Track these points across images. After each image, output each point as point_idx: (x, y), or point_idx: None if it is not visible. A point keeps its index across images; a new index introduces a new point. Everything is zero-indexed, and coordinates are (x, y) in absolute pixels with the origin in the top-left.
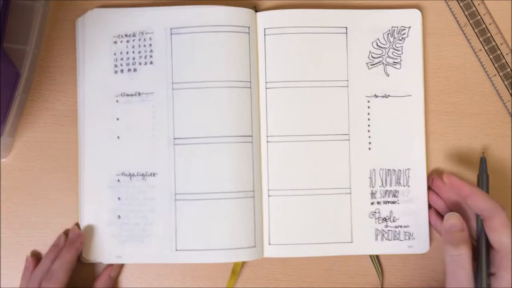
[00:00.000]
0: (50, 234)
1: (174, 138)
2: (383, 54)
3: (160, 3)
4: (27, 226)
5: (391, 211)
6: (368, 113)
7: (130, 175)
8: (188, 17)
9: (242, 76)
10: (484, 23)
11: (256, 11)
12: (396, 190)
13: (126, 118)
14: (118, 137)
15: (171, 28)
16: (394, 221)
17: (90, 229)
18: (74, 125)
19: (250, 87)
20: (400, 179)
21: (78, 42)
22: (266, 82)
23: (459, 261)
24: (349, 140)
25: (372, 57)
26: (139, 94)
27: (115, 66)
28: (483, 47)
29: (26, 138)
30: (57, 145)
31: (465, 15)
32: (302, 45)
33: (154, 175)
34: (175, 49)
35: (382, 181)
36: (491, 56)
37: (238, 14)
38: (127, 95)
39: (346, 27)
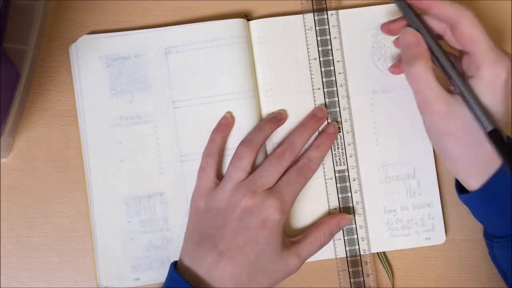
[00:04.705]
0: (50, 234)
1: (181, 155)
2: (380, 50)
3: (151, 25)
4: (27, 226)
5: (404, 205)
6: (372, 110)
7: (139, 198)
8: (181, 36)
9: (242, 87)
10: None
11: (248, 20)
12: (407, 183)
13: (128, 141)
14: (122, 160)
15: (165, 48)
16: (409, 215)
17: (104, 254)
18: (74, 125)
19: (252, 97)
20: (410, 172)
21: (73, 69)
22: (265, 90)
23: (417, 77)
24: (355, 137)
25: (370, 53)
26: (139, 116)
27: (112, 89)
28: None
29: (26, 138)
30: (57, 145)
31: None
32: (298, 50)
33: (161, 194)
34: (172, 69)
35: (392, 176)
36: None
37: (230, 26)
38: (126, 118)
39: (340, 27)
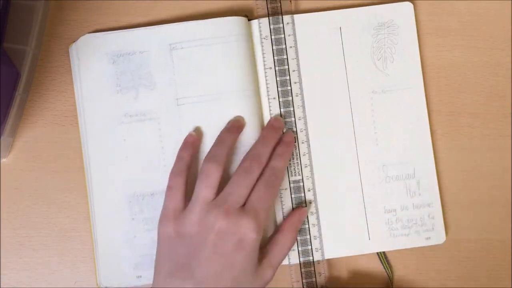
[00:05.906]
0: (50, 234)
1: None
2: (380, 49)
3: (153, 22)
4: (27, 226)
5: (404, 205)
6: (372, 110)
7: (142, 195)
8: (185, 32)
9: (244, 85)
10: None
11: (249, 19)
12: (407, 183)
13: (133, 138)
14: (127, 157)
15: (169, 44)
16: (409, 215)
17: (105, 253)
18: (74, 125)
19: (254, 95)
20: (410, 172)
21: (74, 69)
22: (267, 90)
23: None
24: (355, 137)
25: (370, 53)
26: (143, 113)
27: (117, 85)
28: None
29: (26, 138)
30: (57, 145)
31: None
32: (298, 49)
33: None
34: (176, 65)
35: (392, 176)
36: None
37: (232, 24)
38: (131, 115)
39: (340, 27)
